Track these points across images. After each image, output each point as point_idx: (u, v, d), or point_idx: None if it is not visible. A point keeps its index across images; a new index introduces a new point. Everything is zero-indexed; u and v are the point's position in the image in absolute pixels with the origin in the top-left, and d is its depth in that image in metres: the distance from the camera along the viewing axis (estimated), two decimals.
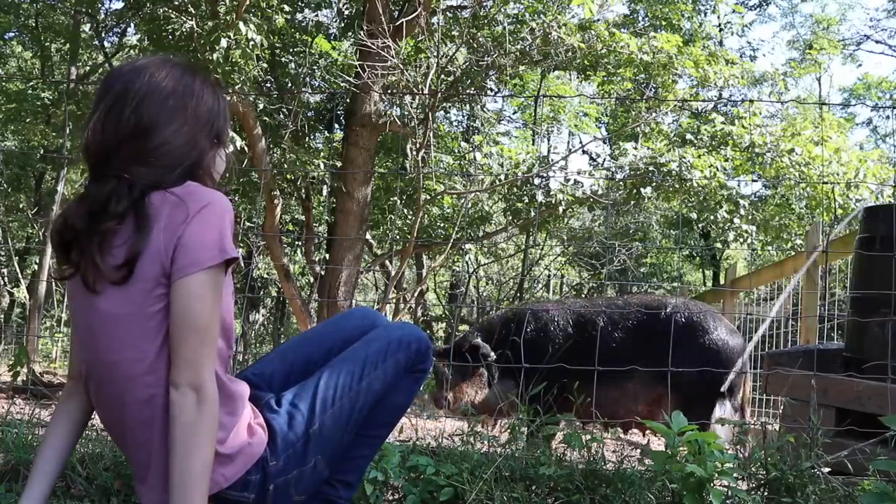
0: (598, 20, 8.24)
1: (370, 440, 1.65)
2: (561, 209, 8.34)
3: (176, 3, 7.06)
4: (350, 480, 1.66)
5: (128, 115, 1.34)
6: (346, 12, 9.20)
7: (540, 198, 8.08)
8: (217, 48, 6.19)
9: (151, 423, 1.31)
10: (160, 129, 1.35)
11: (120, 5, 12.86)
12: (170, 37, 7.40)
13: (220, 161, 1.48)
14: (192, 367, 1.27)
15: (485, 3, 8.36)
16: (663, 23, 11.45)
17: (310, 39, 8.22)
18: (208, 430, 1.27)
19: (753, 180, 9.35)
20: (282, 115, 8.10)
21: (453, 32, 8.30)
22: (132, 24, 10.20)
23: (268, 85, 8.50)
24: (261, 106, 7.69)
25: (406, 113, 7.84)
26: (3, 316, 16.38)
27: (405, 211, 9.95)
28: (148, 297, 1.30)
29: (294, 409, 1.48)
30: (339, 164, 8.05)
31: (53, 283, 16.03)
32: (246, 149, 7.05)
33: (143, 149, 1.34)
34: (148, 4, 7.73)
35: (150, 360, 1.31)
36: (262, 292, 13.38)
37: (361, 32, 7.20)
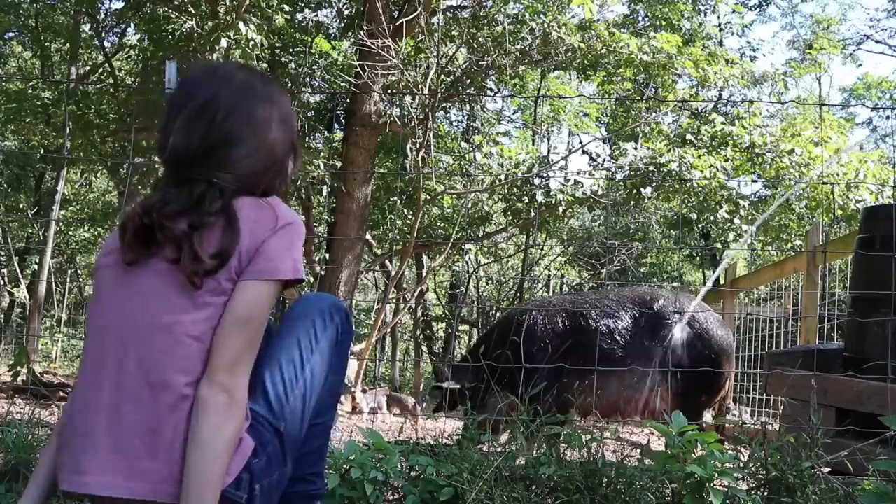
0: (598, 20, 8.24)
1: (322, 427, 1.64)
2: (561, 209, 8.34)
3: (176, 3, 7.06)
4: (318, 470, 1.66)
5: (218, 124, 1.38)
6: (346, 12, 9.20)
7: (540, 198, 8.08)
8: (217, 48, 6.19)
9: (169, 407, 1.28)
10: (247, 141, 1.41)
11: (120, 5, 12.88)
12: (170, 37, 7.41)
13: (295, 164, 1.54)
14: (232, 368, 1.29)
15: (485, 3, 8.36)
16: (663, 23, 11.46)
17: (310, 39, 8.22)
18: (232, 435, 1.27)
19: (753, 180, 9.36)
20: None
21: (453, 32, 8.31)
22: (132, 24, 10.20)
23: None
24: None
25: (406, 113, 7.84)
26: (3, 316, 16.38)
27: (405, 211, 9.95)
28: (210, 289, 1.31)
29: (256, 405, 1.45)
30: (339, 164, 8.04)
31: (53, 283, 16.03)
32: None
33: (230, 158, 1.39)
34: (148, 4, 7.74)
35: (194, 342, 1.31)
36: None
37: (361, 32, 7.20)
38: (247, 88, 1.43)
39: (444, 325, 14.55)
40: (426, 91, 6.82)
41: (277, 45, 8.21)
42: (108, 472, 1.28)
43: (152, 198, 1.37)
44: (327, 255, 8.12)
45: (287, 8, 7.46)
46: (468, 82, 8.44)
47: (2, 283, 16.17)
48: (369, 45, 6.86)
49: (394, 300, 10.96)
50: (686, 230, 10.93)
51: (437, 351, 13.66)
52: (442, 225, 10.24)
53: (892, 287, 2.67)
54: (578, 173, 8.67)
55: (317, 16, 8.82)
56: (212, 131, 1.38)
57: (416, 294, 10.18)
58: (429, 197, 8.31)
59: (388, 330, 11.43)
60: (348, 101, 8.24)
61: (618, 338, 4.35)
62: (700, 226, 9.14)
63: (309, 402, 1.52)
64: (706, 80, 8.59)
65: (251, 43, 6.28)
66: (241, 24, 6.16)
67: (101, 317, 1.38)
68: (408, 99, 7.56)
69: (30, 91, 11.11)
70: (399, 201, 9.69)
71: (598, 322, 4.36)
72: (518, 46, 7.83)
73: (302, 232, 1.39)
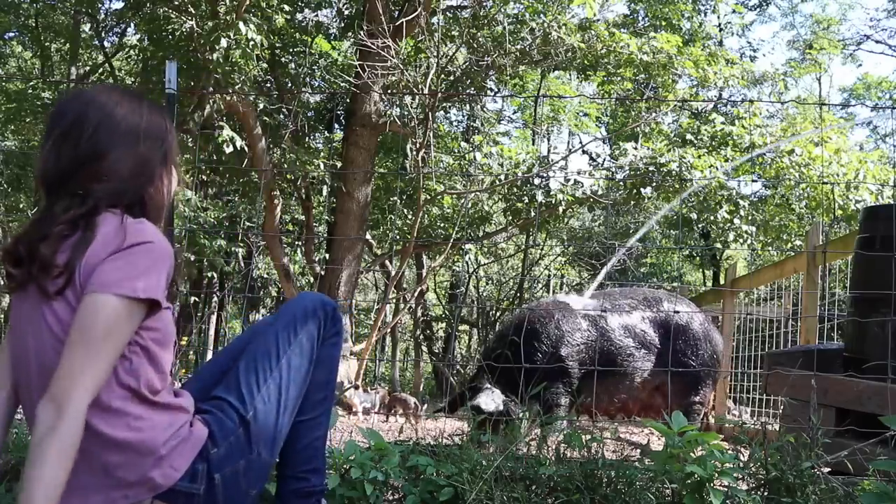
0: (598, 20, 8.24)
1: (314, 422, 1.66)
2: (561, 209, 8.34)
3: (176, 3, 7.05)
4: (316, 466, 1.68)
5: (84, 142, 1.40)
6: (346, 12, 9.20)
7: (540, 198, 8.08)
8: (217, 48, 6.19)
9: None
10: (114, 152, 1.41)
11: (120, 5, 12.87)
12: (170, 37, 7.41)
13: (171, 179, 1.53)
14: (66, 380, 1.24)
15: (485, 3, 8.36)
16: (663, 23, 11.45)
17: (310, 39, 8.22)
18: (59, 449, 1.22)
19: (753, 180, 9.36)
20: (282, 115, 8.10)
21: (453, 32, 8.30)
22: (132, 24, 10.20)
23: (268, 85, 8.50)
24: (261, 106, 7.69)
25: (406, 113, 7.84)
26: (3, 316, 16.38)
27: (405, 211, 9.95)
28: (71, 308, 1.32)
29: (220, 401, 1.50)
30: (339, 164, 8.04)
31: None
32: (246, 149, 7.05)
33: (99, 170, 1.40)
34: (148, 4, 7.73)
35: None
36: (262, 292, 13.38)
37: (361, 32, 7.20)
38: (113, 105, 1.44)
39: (444, 325, 14.54)
40: (426, 91, 6.82)
41: (277, 45, 8.21)
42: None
43: (24, 227, 1.40)
44: (327, 255, 8.12)
45: (287, 8, 7.46)
46: (468, 82, 8.44)
47: (1, 282, 16.16)
48: (369, 45, 6.86)
49: (394, 300, 10.96)
50: (686, 230, 10.93)
51: (437, 351, 13.66)
52: (442, 225, 10.24)
53: (892, 287, 2.67)
54: (578, 173, 8.68)
55: (317, 16, 8.82)
56: (79, 149, 1.40)
57: (416, 294, 10.18)
58: (429, 197, 8.31)
59: (388, 330, 11.43)
60: (348, 101, 8.24)
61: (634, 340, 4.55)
62: (700, 226, 9.14)
63: (285, 393, 1.55)
64: (706, 80, 8.60)
65: (251, 43, 6.28)
66: (241, 24, 6.16)
67: (9, 346, 1.43)
68: (408, 99, 7.57)
69: (30, 91, 11.12)
70: (399, 201, 9.69)
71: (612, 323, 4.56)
72: (518, 46, 7.83)
73: (159, 252, 1.35)
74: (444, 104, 10.05)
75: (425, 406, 6.70)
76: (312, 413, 1.64)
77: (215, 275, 10.85)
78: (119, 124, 1.44)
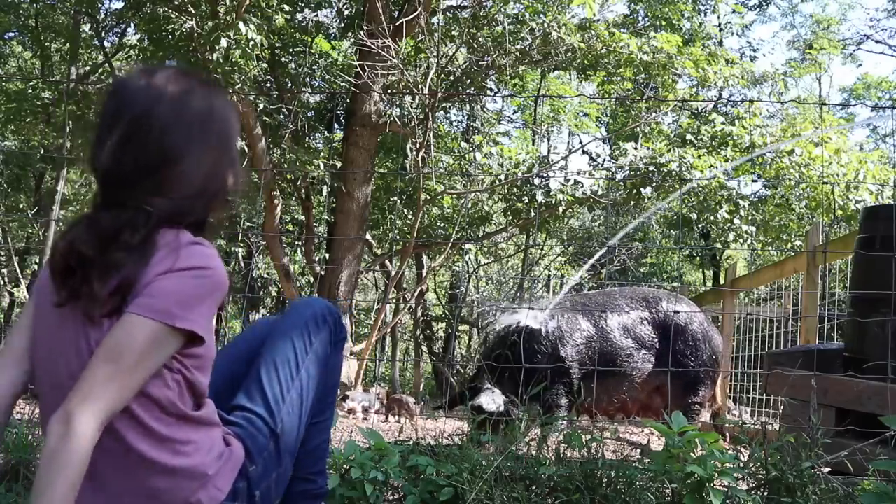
0: (598, 20, 8.24)
1: (322, 425, 1.65)
2: (561, 209, 8.34)
3: (176, 3, 7.05)
4: (321, 468, 1.68)
5: (152, 144, 1.27)
6: (346, 12, 9.20)
7: (540, 198, 8.08)
8: (217, 48, 6.19)
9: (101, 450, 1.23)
10: (184, 160, 1.29)
11: (120, 5, 12.87)
12: (170, 37, 7.41)
13: (235, 180, 1.42)
14: (81, 398, 1.17)
15: (485, 3, 8.36)
16: (663, 23, 11.45)
17: (310, 39, 8.22)
18: (66, 467, 1.15)
19: (753, 180, 9.35)
20: (282, 115, 8.10)
21: (453, 32, 8.30)
22: (132, 24, 10.20)
23: (268, 85, 8.50)
24: (261, 106, 7.69)
25: (406, 113, 7.84)
26: (3, 316, 16.38)
27: (405, 211, 9.95)
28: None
29: (249, 413, 1.46)
30: (339, 164, 8.04)
31: None
32: (246, 149, 7.05)
33: (166, 180, 1.27)
34: (148, 4, 7.73)
35: None
36: (262, 292, 13.38)
37: (361, 32, 7.20)
38: (184, 102, 1.30)
39: (444, 325, 14.54)
40: (426, 91, 6.82)
41: (277, 45, 8.21)
42: None
43: (77, 227, 1.27)
44: (327, 255, 8.12)
45: (287, 8, 7.46)
46: (468, 82, 8.44)
47: (2, 283, 16.16)
48: (369, 45, 6.86)
49: (394, 300, 10.96)
50: (686, 230, 10.93)
51: (437, 351, 13.65)
52: (442, 225, 10.24)
53: (892, 287, 2.67)
54: (578, 173, 8.68)
55: (317, 16, 8.82)
56: (146, 151, 1.26)
57: (416, 294, 10.18)
58: (429, 197, 8.31)
59: (388, 330, 11.42)
60: (348, 101, 8.24)
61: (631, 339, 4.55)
62: (700, 226, 9.14)
63: (306, 402, 1.54)
64: (706, 80, 8.60)
65: (251, 43, 6.28)
66: (241, 24, 6.16)
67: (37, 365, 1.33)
68: (408, 99, 7.57)
69: (30, 91, 11.13)
70: (399, 201, 9.69)
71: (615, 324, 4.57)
72: (518, 46, 7.83)
73: (212, 281, 1.25)
74: (444, 104, 10.05)
75: (422, 404, 6.69)
76: (322, 416, 1.64)
77: None
78: (193, 125, 1.30)
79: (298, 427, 1.53)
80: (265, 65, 7.74)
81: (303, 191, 8.51)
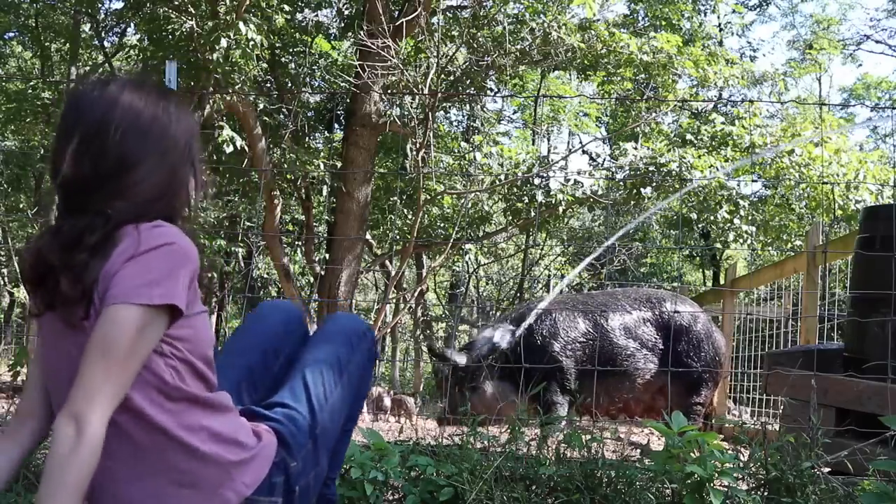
0: (598, 20, 8.24)
1: (348, 433, 1.71)
2: (561, 209, 8.34)
3: (176, 3, 7.05)
4: (335, 475, 1.73)
5: (110, 150, 1.29)
6: (346, 12, 9.19)
7: (540, 198, 8.08)
8: (217, 48, 6.18)
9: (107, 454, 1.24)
10: (142, 165, 1.31)
11: (120, 5, 12.86)
12: (170, 37, 7.40)
13: (197, 183, 1.44)
14: (85, 398, 1.18)
15: (485, 3, 8.36)
16: (663, 23, 11.46)
17: (310, 39, 8.22)
18: (78, 469, 1.17)
19: (753, 180, 9.36)
20: (282, 115, 8.09)
21: (453, 32, 8.30)
22: (132, 24, 10.19)
23: (268, 85, 8.49)
24: (261, 106, 7.69)
25: (406, 113, 7.84)
26: (3, 316, 16.39)
27: (405, 211, 9.94)
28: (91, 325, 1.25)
29: (291, 410, 1.48)
30: (339, 164, 8.04)
31: None
32: (246, 149, 7.04)
33: (125, 185, 1.29)
34: (148, 4, 7.73)
35: None
36: (262, 292, 13.38)
37: (361, 32, 7.19)
38: (140, 108, 1.32)
39: (444, 325, 14.54)
40: (426, 91, 6.82)
41: (277, 45, 8.20)
42: None
43: (43, 237, 1.29)
44: (327, 255, 8.12)
45: (287, 8, 7.45)
46: (468, 82, 8.43)
47: (2, 282, 16.16)
48: (369, 45, 6.85)
49: (394, 300, 10.96)
50: (686, 230, 10.93)
51: (437, 351, 13.63)
52: (442, 225, 10.23)
53: (892, 287, 2.67)
54: (578, 173, 8.67)
55: (317, 16, 8.81)
56: (104, 157, 1.28)
57: (416, 294, 10.18)
58: (429, 197, 8.30)
59: (388, 330, 11.42)
60: (348, 101, 8.23)
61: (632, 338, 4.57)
62: (700, 226, 9.14)
63: (346, 407, 1.61)
64: (706, 80, 8.60)
65: (251, 43, 6.28)
66: (241, 24, 6.15)
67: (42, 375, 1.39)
68: (408, 99, 7.56)
69: (30, 91, 11.12)
70: (399, 201, 9.69)
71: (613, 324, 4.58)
72: (518, 46, 7.83)
73: (179, 254, 1.27)
74: (444, 104, 10.05)
75: (420, 404, 6.70)
76: (350, 424, 1.70)
77: (215, 275, 10.86)
78: (149, 130, 1.32)
79: (335, 430, 1.58)
80: (265, 65, 7.73)
81: (303, 191, 8.51)
